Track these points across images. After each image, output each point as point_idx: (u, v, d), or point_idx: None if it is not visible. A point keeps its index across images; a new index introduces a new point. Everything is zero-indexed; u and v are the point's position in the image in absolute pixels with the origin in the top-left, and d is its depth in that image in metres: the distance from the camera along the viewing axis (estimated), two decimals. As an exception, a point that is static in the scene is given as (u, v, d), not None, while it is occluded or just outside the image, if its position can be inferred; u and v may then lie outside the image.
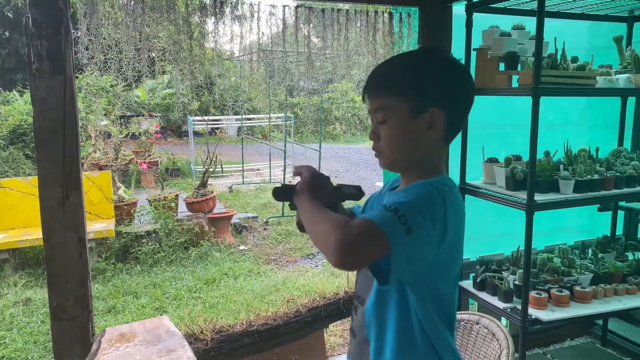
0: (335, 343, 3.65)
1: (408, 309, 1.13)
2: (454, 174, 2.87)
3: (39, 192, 2.09)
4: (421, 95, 1.11)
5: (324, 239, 1.02)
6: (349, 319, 3.78)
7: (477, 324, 1.94)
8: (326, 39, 2.78)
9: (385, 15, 2.85)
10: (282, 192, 1.27)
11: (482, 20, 2.78)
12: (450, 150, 2.86)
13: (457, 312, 2.12)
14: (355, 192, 1.25)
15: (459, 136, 2.81)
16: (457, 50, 2.76)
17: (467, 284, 2.87)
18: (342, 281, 3.80)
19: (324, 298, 3.00)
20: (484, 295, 2.73)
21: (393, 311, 1.15)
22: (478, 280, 2.79)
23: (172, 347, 2.11)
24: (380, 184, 5.01)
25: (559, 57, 2.51)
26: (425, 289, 1.12)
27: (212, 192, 6.68)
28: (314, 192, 1.15)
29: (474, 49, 2.73)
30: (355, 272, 1.37)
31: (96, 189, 5.58)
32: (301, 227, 1.23)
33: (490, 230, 3.22)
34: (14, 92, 10.69)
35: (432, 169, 1.17)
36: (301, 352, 3.03)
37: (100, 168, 7.16)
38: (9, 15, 12.78)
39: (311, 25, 2.75)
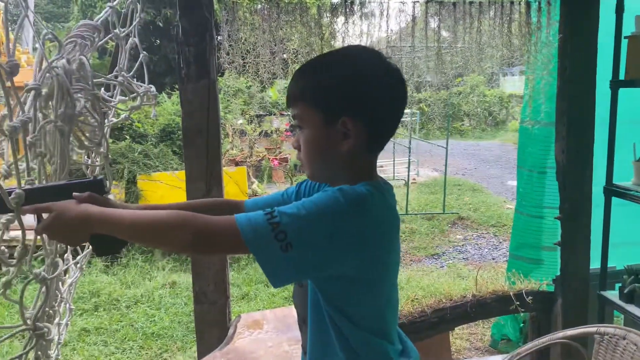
0: (462, 347, 3.54)
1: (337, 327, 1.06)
2: (599, 174, 2.63)
3: (185, 186, 2.30)
4: (331, 103, 1.02)
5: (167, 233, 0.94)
6: (477, 323, 3.66)
7: (624, 339, 1.77)
8: (457, 32, 2.70)
9: (522, 4, 2.69)
10: None
11: (635, 4, 2.51)
12: (595, 148, 2.63)
13: (601, 325, 1.95)
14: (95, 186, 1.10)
15: (606, 133, 2.57)
16: (605, 38, 2.52)
17: (613, 295, 2.62)
18: (470, 284, 3.68)
19: (451, 300, 2.91)
20: (632, 308, 2.48)
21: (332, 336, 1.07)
22: (626, 291, 2.53)
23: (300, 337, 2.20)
24: (514, 183, 4.72)
25: None
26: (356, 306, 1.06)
27: (338, 188, 6.82)
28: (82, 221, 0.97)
29: (625, 37, 2.47)
30: None
31: (233, 183, 5.99)
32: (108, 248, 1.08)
33: (640, 237, 2.91)
34: (163, 94, 11.82)
35: (360, 178, 1.07)
36: (426, 353, 2.98)
37: (237, 164, 7.67)
38: (159, 24, 14.13)
39: (440, 18, 2.69)
